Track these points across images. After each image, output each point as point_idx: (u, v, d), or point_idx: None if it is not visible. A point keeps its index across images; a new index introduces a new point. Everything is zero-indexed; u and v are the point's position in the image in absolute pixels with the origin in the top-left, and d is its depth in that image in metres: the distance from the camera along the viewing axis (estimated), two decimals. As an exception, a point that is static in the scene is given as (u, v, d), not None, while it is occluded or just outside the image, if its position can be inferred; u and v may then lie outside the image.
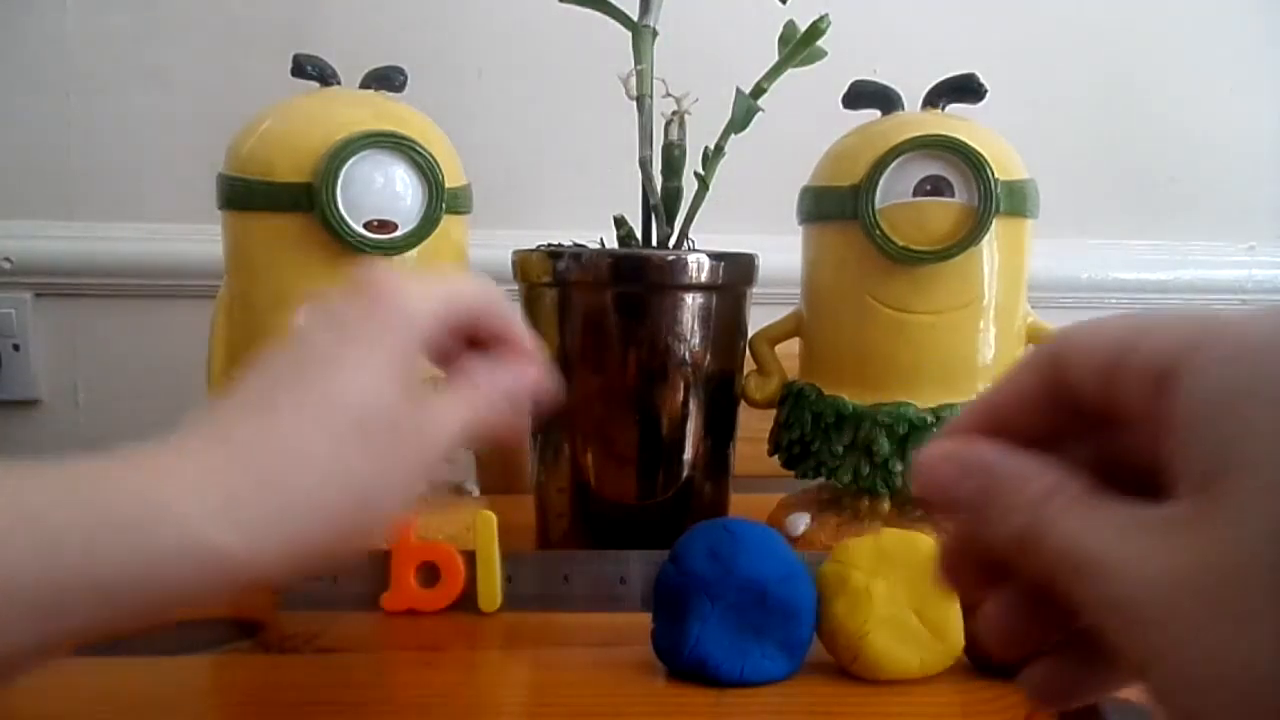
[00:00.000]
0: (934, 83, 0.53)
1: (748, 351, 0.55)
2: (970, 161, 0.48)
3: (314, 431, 0.26)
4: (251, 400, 0.28)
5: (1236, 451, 0.17)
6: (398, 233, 0.49)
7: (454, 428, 0.30)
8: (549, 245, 0.54)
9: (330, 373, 0.28)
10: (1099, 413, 0.21)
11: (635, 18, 0.52)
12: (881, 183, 0.49)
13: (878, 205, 0.49)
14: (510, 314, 0.34)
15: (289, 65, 0.52)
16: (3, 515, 0.23)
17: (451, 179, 0.50)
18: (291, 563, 0.26)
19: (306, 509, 0.26)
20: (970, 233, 0.48)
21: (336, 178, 0.47)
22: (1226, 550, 0.16)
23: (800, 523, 0.52)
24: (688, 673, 0.37)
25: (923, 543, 0.38)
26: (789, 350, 0.56)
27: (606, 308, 0.50)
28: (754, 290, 0.54)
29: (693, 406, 0.51)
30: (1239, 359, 0.17)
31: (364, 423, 0.27)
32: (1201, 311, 0.19)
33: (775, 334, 0.56)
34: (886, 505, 0.52)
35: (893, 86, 0.53)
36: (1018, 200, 0.49)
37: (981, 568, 0.23)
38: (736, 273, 0.52)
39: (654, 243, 0.53)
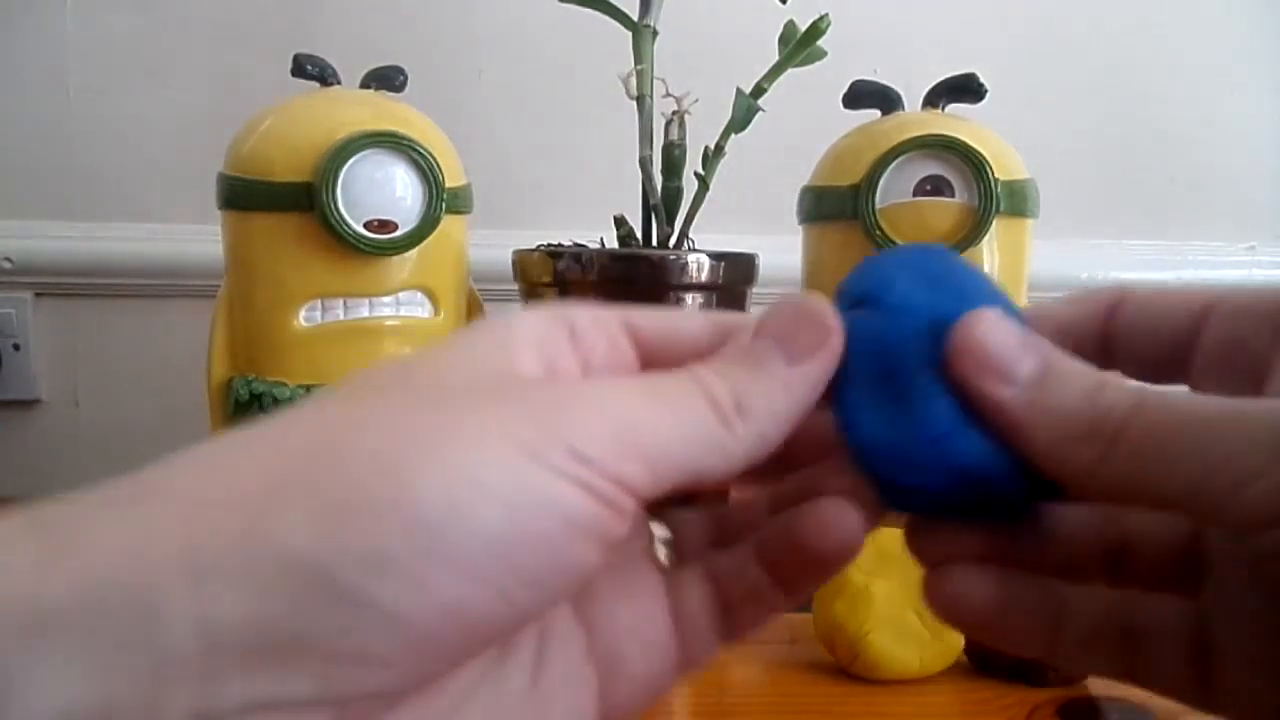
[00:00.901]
0: (934, 83, 0.53)
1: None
2: (970, 161, 0.48)
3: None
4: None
5: None
6: (398, 233, 0.49)
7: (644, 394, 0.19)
8: (549, 245, 0.54)
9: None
10: (1135, 358, 0.20)
11: (635, 18, 0.52)
12: (881, 183, 0.49)
13: (878, 205, 0.49)
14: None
15: (289, 65, 0.52)
16: None
17: (451, 179, 0.50)
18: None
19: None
20: (970, 233, 0.48)
21: (336, 177, 0.47)
22: None
23: (800, 523, 0.52)
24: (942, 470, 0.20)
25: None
26: (789, 350, 0.56)
27: (607, 307, 0.50)
28: (754, 290, 0.54)
29: (693, 406, 0.51)
30: None
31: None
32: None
33: (775, 334, 0.56)
34: (886, 505, 0.52)
35: (893, 86, 0.53)
36: (1018, 200, 0.49)
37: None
38: (736, 273, 0.52)
39: (654, 243, 0.53)
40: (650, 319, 0.22)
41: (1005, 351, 0.19)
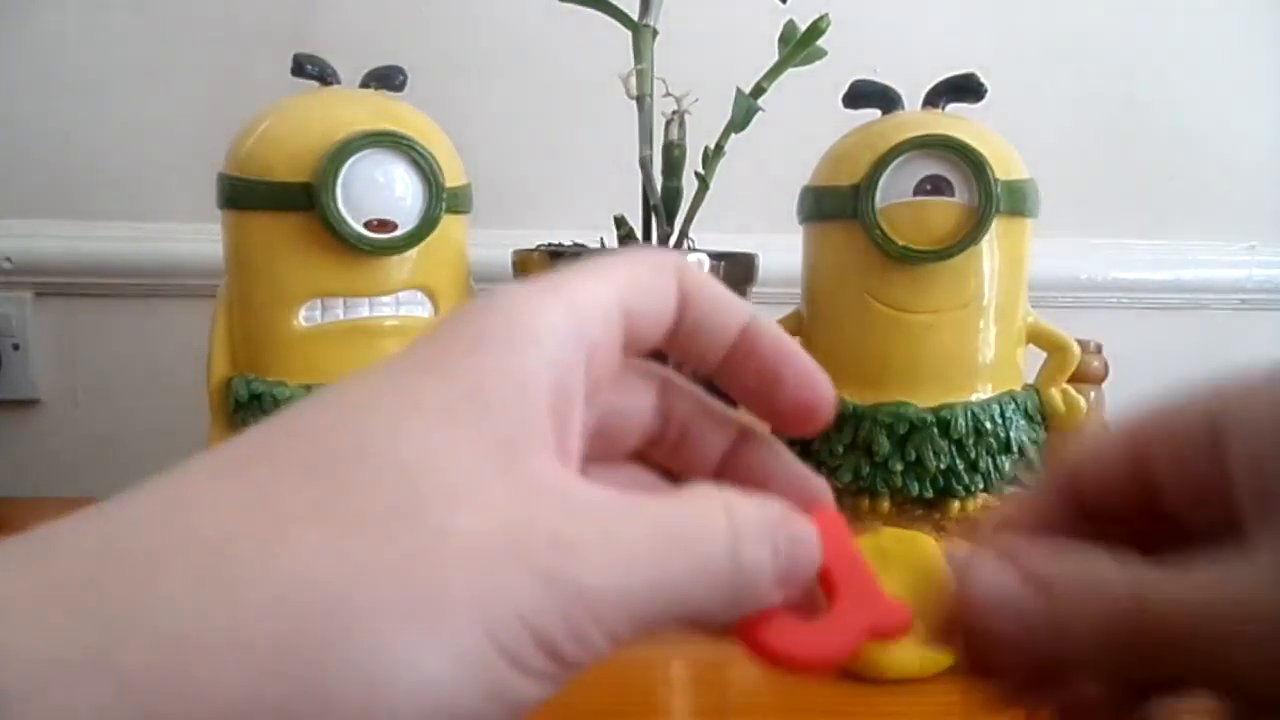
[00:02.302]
0: (934, 83, 0.53)
1: (748, 351, 0.55)
2: (970, 161, 0.48)
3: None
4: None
5: None
6: (398, 232, 0.49)
7: (622, 569, 0.16)
8: (549, 245, 0.54)
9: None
10: (1112, 515, 0.21)
11: (635, 18, 0.52)
12: (882, 182, 0.49)
13: (878, 205, 0.49)
14: (772, 326, 0.23)
15: (289, 65, 0.52)
16: None
17: (451, 179, 0.50)
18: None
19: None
20: (970, 232, 0.48)
21: (336, 177, 0.47)
22: None
23: (800, 523, 0.52)
24: None
25: (923, 543, 0.38)
26: (789, 350, 0.56)
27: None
28: (754, 290, 0.54)
29: (693, 406, 0.51)
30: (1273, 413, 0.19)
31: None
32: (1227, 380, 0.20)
33: (775, 334, 0.56)
34: (886, 505, 0.52)
35: (893, 86, 0.53)
36: (1018, 200, 0.49)
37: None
38: (736, 273, 0.52)
39: (654, 243, 0.53)
40: (650, 318, 0.21)
41: (1013, 623, 0.18)
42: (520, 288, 0.19)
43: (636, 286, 0.20)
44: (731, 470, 0.23)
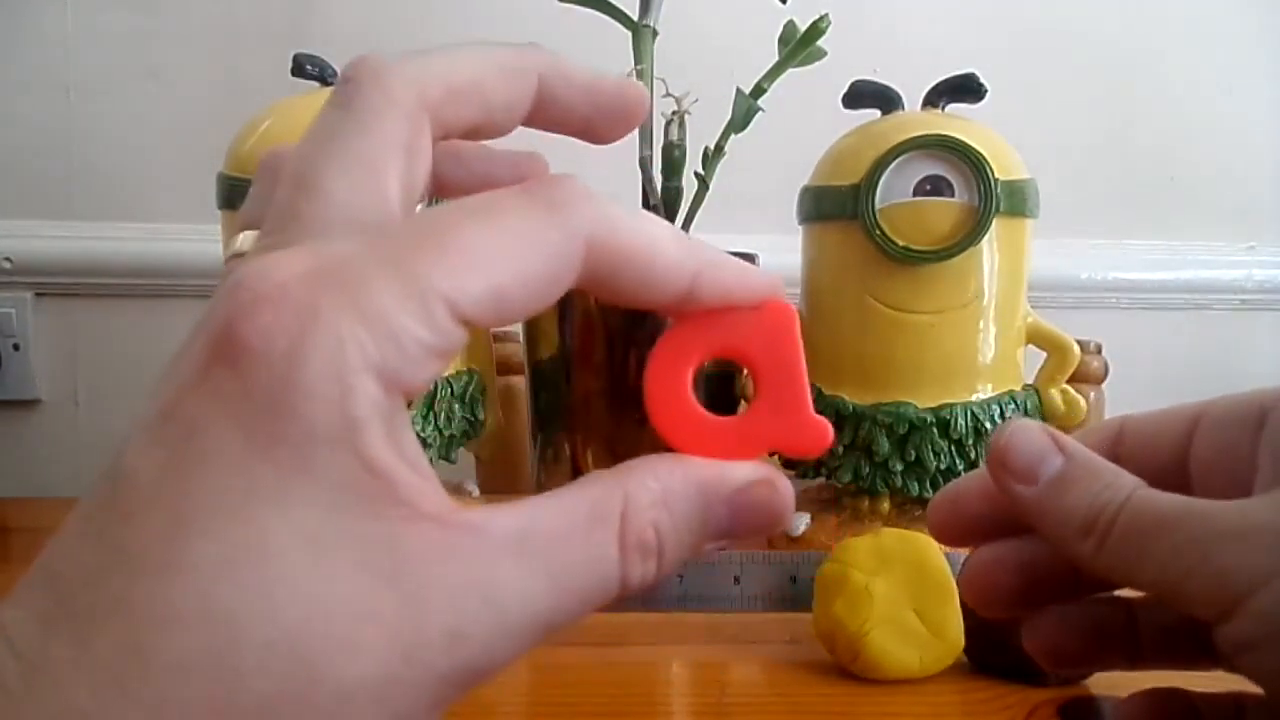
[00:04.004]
0: (934, 83, 0.53)
1: (748, 351, 0.55)
2: (970, 161, 0.48)
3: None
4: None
5: None
6: (398, 233, 0.49)
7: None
8: (549, 245, 0.54)
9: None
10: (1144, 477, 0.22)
11: (635, 18, 0.52)
12: (881, 183, 0.49)
13: (878, 205, 0.49)
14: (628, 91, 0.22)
15: (289, 65, 0.52)
16: None
17: (451, 179, 0.50)
18: None
19: None
20: (970, 233, 0.48)
21: (336, 178, 0.47)
22: None
23: (800, 523, 0.52)
24: None
25: (923, 542, 0.38)
26: (789, 350, 0.56)
27: (606, 308, 0.50)
28: (754, 290, 0.54)
29: (693, 406, 0.51)
30: None
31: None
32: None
33: (775, 334, 0.56)
34: (886, 505, 0.52)
35: (893, 86, 0.53)
36: (1018, 200, 0.49)
37: (1024, 580, 0.23)
38: (736, 273, 0.52)
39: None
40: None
41: (1029, 455, 0.21)
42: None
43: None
44: None
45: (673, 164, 0.53)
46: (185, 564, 0.14)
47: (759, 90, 0.52)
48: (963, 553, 0.28)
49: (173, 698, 0.13)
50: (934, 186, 0.49)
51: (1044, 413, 0.52)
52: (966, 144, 0.48)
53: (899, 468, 0.49)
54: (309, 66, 0.52)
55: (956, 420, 0.49)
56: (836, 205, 0.51)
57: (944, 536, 0.24)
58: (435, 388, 0.49)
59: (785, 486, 0.19)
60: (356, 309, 0.15)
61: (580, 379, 0.50)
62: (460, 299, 0.15)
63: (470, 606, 0.15)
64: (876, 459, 0.50)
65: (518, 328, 0.57)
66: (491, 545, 0.16)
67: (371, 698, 0.14)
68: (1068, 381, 0.53)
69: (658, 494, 0.17)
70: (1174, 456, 0.22)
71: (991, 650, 0.37)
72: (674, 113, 0.52)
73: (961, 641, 0.37)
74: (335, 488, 0.15)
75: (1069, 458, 0.21)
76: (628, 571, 0.17)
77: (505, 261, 0.16)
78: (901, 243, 0.49)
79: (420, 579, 0.15)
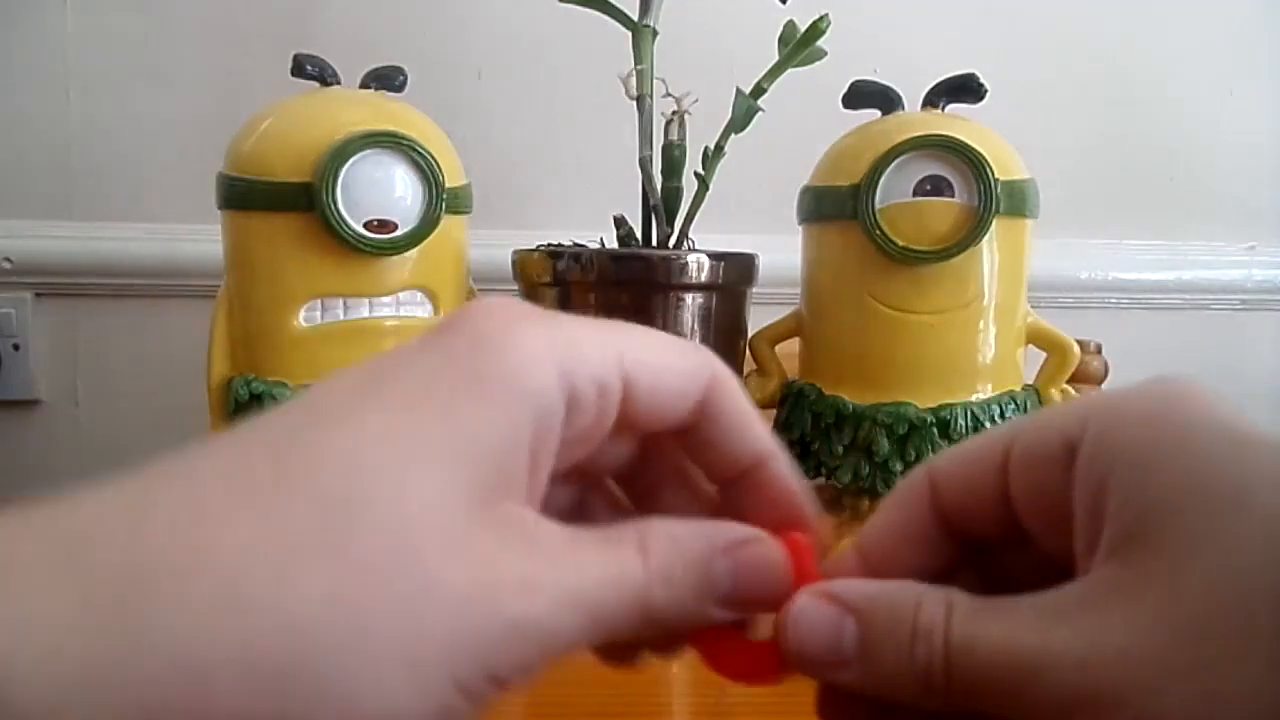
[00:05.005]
0: (934, 83, 0.53)
1: (748, 351, 0.55)
2: (970, 161, 0.48)
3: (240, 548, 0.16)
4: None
5: (1155, 509, 0.17)
6: (398, 232, 0.49)
7: (581, 604, 0.18)
8: (549, 245, 0.54)
9: (329, 452, 0.17)
10: (976, 531, 0.20)
11: (635, 18, 0.52)
12: (881, 183, 0.49)
13: (878, 205, 0.49)
14: (759, 430, 0.22)
15: (289, 65, 0.52)
16: None
17: (451, 179, 0.50)
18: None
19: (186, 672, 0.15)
20: (970, 233, 0.48)
21: (336, 178, 0.47)
22: (1185, 607, 0.16)
23: (800, 523, 0.52)
24: None
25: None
26: (789, 350, 0.56)
27: (606, 308, 0.50)
28: (754, 290, 0.54)
29: (693, 406, 0.51)
30: (1134, 422, 0.18)
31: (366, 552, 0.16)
32: (1081, 399, 0.19)
33: (775, 334, 0.56)
34: (886, 505, 0.52)
35: (893, 86, 0.53)
36: (1018, 200, 0.49)
37: (875, 716, 0.20)
38: (736, 273, 0.52)
39: (654, 243, 0.53)
40: (648, 373, 0.20)
41: (821, 640, 0.19)
42: (516, 316, 0.19)
43: (649, 364, 0.20)
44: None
45: (673, 164, 0.53)
46: (354, 422, 0.17)
47: (759, 90, 0.52)
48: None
49: (313, 500, 0.17)
50: (934, 187, 0.49)
51: (1044, 413, 0.52)
52: (966, 144, 0.48)
53: (899, 468, 0.49)
54: (309, 66, 0.52)
55: (956, 420, 0.49)
56: (836, 205, 0.51)
57: None
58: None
59: (779, 554, 0.21)
60: (553, 332, 0.19)
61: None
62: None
63: (541, 568, 0.18)
64: (876, 459, 0.50)
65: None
66: (566, 535, 0.19)
67: (453, 604, 0.17)
68: (1068, 381, 0.53)
69: (666, 530, 0.20)
70: (996, 501, 0.20)
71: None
72: (674, 113, 0.52)
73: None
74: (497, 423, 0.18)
75: (859, 616, 0.19)
76: (651, 587, 0.19)
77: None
78: (901, 243, 0.49)
79: (509, 533, 0.18)
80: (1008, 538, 0.20)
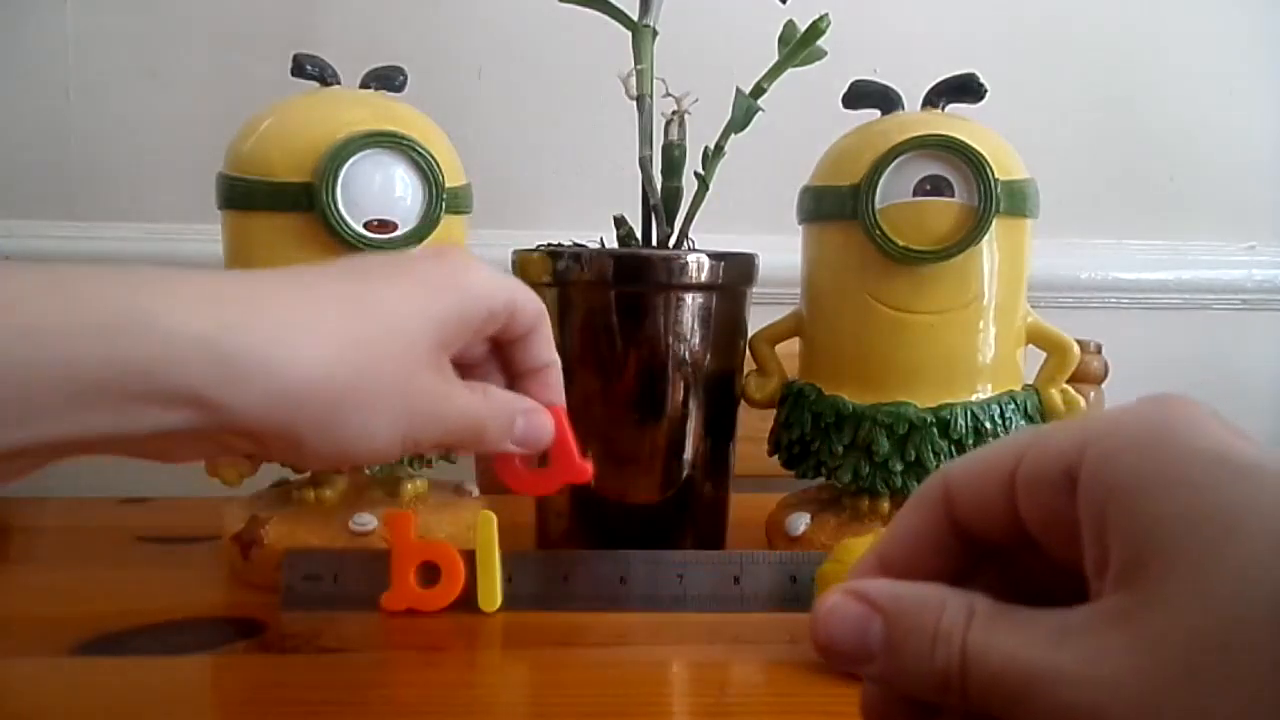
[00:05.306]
0: (934, 83, 0.53)
1: (748, 351, 0.55)
2: (970, 161, 0.48)
3: (323, 303, 0.28)
4: (274, 276, 0.29)
5: (1153, 538, 0.17)
6: (398, 232, 0.49)
7: (460, 420, 0.31)
8: (549, 245, 0.54)
9: (377, 286, 0.29)
10: (993, 540, 0.21)
11: (635, 18, 0.52)
12: (881, 183, 0.49)
13: (878, 205, 0.49)
14: (552, 349, 0.36)
15: (289, 65, 0.52)
16: None
17: (451, 179, 0.50)
18: (270, 419, 0.25)
19: (293, 365, 0.26)
20: (970, 233, 0.48)
21: (336, 178, 0.47)
22: (1179, 633, 0.16)
23: (800, 523, 0.52)
24: None
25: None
26: (789, 350, 0.56)
27: (606, 308, 0.50)
28: (754, 290, 0.54)
29: (693, 406, 0.51)
30: (1130, 449, 0.18)
31: (379, 334, 0.28)
32: (1080, 420, 0.20)
33: (775, 334, 0.56)
34: (886, 505, 0.52)
35: (893, 86, 0.53)
36: (1018, 200, 0.49)
37: (911, 713, 0.21)
38: (736, 273, 0.52)
39: (654, 243, 0.53)
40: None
41: (851, 637, 0.20)
42: (475, 259, 0.33)
43: (519, 300, 0.34)
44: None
45: (673, 164, 0.53)
46: (375, 274, 0.31)
47: (759, 90, 0.52)
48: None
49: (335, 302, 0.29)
50: (934, 186, 0.49)
51: (1044, 412, 0.52)
52: (966, 144, 0.48)
53: (899, 468, 0.49)
54: (309, 66, 0.52)
55: (956, 420, 0.49)
56: (836, 205, 0.51)
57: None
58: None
59: (548, 418, 0.35)
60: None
61: (580, 379, 0.50)
62: None
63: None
64: (876, 459, 0.50)
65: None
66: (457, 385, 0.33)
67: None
68: (1068, 381, 0.53)
69: (497, 393, 0.34)
70: (1007, 514, 0.21)
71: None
72: (674, 113, 0.52)
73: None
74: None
75: (886, 616, 0.20)
76: (488, 424, 0.33)
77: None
78: (901, 243, 0.49)
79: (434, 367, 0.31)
80: (1022, 545, 0.21)
